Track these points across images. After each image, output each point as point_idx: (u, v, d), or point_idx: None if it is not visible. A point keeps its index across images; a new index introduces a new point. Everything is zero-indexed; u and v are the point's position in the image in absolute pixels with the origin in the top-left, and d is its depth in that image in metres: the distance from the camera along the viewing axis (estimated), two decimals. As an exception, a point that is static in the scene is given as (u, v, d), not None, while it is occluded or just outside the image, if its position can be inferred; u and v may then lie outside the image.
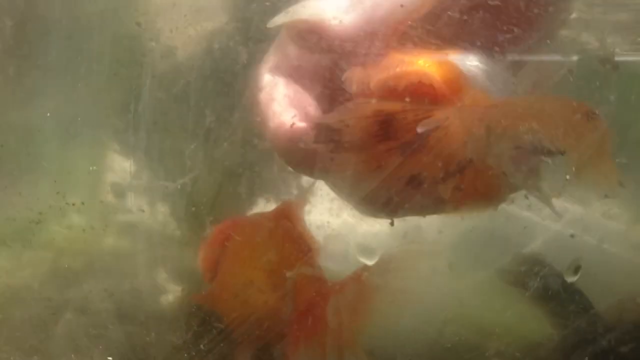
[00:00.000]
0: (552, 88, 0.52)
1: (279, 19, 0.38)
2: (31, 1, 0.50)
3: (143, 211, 0.53)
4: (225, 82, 0.47)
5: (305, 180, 0.52)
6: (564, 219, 0.65)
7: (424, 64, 0.36)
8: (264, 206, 0.55)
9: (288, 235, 0.47)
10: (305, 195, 0.49)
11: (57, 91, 0.51)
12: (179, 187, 0.49)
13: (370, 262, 0.41)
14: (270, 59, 0.40)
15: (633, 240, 0.63)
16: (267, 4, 0.43)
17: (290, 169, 0.45)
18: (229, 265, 0.49)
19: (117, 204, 0.54)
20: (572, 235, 0.59)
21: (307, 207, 0.48)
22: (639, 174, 0.63)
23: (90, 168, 0.52)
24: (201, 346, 0.45)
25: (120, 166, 0.52)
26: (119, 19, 0.49)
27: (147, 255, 0.51)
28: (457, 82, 0.36)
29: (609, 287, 0.60)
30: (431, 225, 0.65)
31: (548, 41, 0.43)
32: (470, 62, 0.37)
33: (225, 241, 0.49)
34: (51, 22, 0.49)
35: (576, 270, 0.47)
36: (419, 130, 0.34)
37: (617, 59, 0.54)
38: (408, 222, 0.63)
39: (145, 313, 0.49)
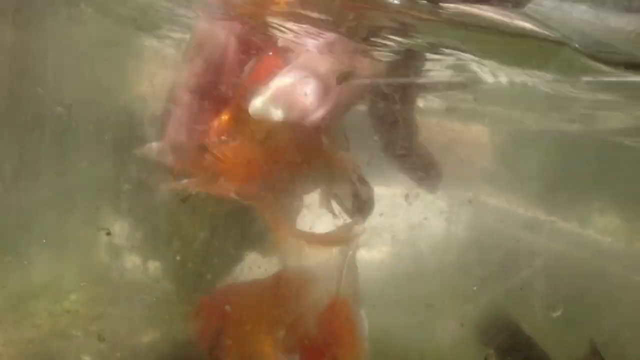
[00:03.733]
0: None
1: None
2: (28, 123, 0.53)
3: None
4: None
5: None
6: (564, 238, 0.65)
7: None
8: (252, 260, 0.58)
9: (289, 299, 0.49)
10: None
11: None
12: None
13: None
14: None
15: (631, 256, 0.63)
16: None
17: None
18: (233, 332, 0.50)
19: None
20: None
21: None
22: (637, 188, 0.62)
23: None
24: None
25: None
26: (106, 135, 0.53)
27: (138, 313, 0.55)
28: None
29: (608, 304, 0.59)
30: (435, 250, 0.66)
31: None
32: None
33: (223, 308, 0.51)
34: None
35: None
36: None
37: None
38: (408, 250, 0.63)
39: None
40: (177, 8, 0.55)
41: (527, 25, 0.45)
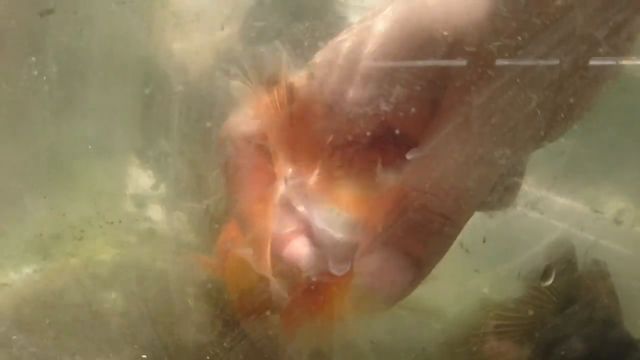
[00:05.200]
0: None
1: None
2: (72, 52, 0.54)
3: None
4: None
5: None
6: (572, 218, 0.66)
7: None
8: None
9: None
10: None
11: (96, 125, 0.56)
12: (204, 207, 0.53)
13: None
14: None
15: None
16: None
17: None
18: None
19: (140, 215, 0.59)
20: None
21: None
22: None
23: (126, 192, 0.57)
24: (224, 344, 0.50)
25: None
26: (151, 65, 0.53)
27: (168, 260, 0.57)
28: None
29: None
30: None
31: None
32: None
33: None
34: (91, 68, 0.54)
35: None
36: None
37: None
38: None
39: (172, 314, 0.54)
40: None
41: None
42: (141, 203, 0.62)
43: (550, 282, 0.45)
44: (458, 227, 0.38)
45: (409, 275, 0.37)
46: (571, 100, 0.39)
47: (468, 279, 0.57)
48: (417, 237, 0.37)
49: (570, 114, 0.40)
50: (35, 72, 0.49)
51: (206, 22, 0.55)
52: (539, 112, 0.39)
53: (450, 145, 0.37)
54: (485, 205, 0.41)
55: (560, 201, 0.62)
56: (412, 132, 0.40)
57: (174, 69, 0.54)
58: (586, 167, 0.62)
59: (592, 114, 0.61)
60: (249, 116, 0.42)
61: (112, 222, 0.53)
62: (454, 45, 0.38)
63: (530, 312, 0.46)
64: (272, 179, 0.41)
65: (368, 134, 0.41)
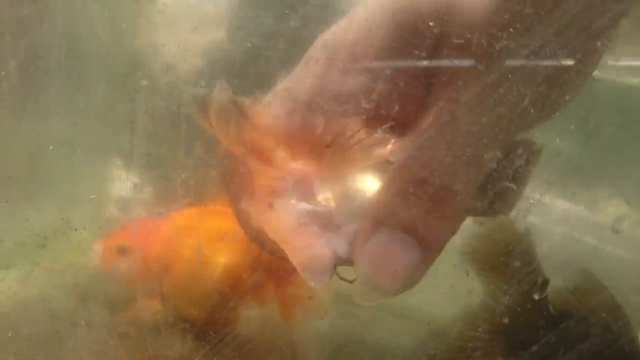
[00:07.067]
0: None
1: None
2: (32, 45, 0.51)
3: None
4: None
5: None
6: (570, 222, 0.64)
7: None
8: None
9: None
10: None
11: (60, 124, 0.53)
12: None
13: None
14: None
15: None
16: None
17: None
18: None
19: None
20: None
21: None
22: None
23: (90, 197, 0.54)
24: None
25: (120, 193, 0.55)
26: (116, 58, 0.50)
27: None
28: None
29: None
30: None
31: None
32: None
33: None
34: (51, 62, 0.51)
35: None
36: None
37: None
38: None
39: (142, 329, 0.51)
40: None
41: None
42: (108, 210, 0.58)
43: (544, 295, 0.42)
44: (463, 204, 0.33)
45: (414, 256, 0.32)
46: (566, 96, 0.36)
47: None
48: (420, 215, 0.32)
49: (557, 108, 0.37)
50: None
51: (193, 17, 0.53)
52: (531, 110, 0.36)
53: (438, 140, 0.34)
54: (475, 211, 0.38)
55: (560, 205, 0.60)
56: (397, 130, 0.37)
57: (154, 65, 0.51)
58: (584, 169, 0.60)
59: (590, 115, 0.59)
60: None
61: (76, 229, 0.50)
62: (440, 38, 0.35)
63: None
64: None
65: (348, 134, 0.38)
